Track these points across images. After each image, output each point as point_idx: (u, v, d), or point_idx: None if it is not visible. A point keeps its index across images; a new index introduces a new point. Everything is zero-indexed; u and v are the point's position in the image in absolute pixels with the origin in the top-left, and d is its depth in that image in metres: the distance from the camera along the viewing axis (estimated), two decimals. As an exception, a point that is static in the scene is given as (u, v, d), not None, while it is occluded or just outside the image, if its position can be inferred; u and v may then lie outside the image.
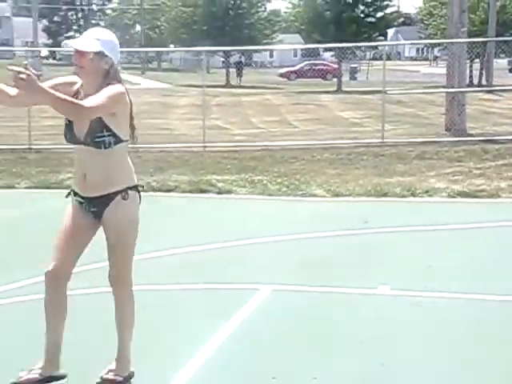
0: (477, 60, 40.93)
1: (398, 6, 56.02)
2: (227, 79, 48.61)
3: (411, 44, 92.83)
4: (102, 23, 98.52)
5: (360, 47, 45.45)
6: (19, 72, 3.81)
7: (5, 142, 16.20)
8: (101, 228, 4.52)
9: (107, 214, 4.41)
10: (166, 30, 62.67)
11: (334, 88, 41.27)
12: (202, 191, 11.32)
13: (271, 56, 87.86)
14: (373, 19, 46.24)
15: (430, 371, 4.89)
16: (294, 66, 62.57)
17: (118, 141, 4.33)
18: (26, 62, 3.94)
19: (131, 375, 4.65)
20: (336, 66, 47.62)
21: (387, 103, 18.04)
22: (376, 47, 50.44)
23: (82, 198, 4.44)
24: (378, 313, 6.08)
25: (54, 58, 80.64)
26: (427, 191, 11.02)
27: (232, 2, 54.32)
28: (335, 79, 45.63)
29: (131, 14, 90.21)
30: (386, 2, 47.40)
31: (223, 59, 53.09)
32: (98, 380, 4.56)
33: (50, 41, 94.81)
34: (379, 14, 46.90)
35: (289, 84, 49.79)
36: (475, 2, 40.26)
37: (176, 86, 42.91)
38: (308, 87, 41.91)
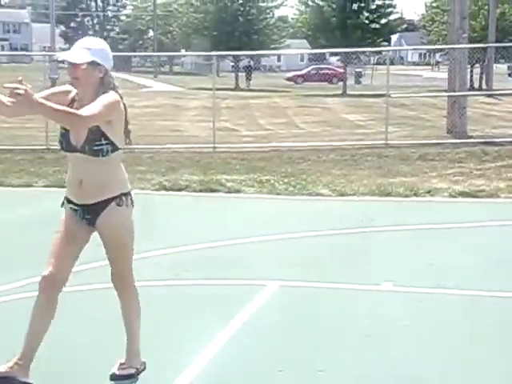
0: (477, 65, 40.90)
1: (402, 13, 56.05)
2: (236, 82, 48.61)
3: (414, 49, 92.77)
4: (116, 29, 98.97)
5: (364, 52, 45.34)
6: (15, 88, 3.77)
7: (23, 143, 16.23)
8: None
9: (102, 220, 4.36)
10: (178, 36, 62.70)
11: (340, 91, 41.21)
12: (212, 190, 11.31)
13: (279, 60, 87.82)
14: (377, 25, 46.10)
15: (431, 365, 4.87)
16: (300, 70, 62.52)
17: (115, 149, 4.28)
18: (20, 77, 3.85)
19: (143, 367, 4.64)
20: (341, 70, 47.58)
21: (391, 106, 18.01)
22: (380, 52, 50.21)
23: (77, 205, 4.39)
24: (381, 308, 6.07)
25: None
26: (429, 191, 11.00)
27: (241, 9, 54.27)
28: (340, 83, 45.53)
29: (145, 20, 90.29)
30: (389, 9, 47.31)
31: (233, 63, 53.12)
32: (110, 374, 4.55)
33: (67, 45, 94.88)
34: (383, 21, 46.77)
35: (296, 87, 49.76)
36: (476, 9, 40.17)
37: (187, 89, 42.91)
38: (314, 90, 41.88)
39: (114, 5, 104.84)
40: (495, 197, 10.75)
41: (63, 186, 12.45)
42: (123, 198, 4.38)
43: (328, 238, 8.45)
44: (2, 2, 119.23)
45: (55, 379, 4.62)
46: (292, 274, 6.89)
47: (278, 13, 60.06)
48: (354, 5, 45.47)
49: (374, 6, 46.39)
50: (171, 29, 73.21)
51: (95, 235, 4.46)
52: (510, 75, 56.04)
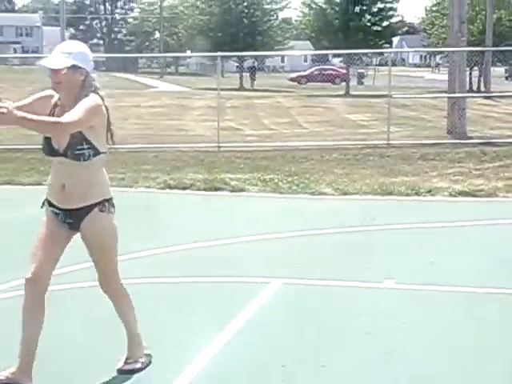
0: (476, 68, 40.95)
1: (403, 16, 55.96)
2: (241, 83, 48.59)
3: (415, 51, 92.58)
4: (124, 31, 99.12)
5: (367, 54, 45.32)
6: None
7: (33, 142, 16.19)
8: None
9: (85, 226, 4.32)
10: (184, 37, 62.81)
11: (342, 92, 41.19)
12: (216, 189, 11.29)
13: (283, 61, 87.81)
14: (379, 28, 46.09)
15: (431, 362, 4.85)
16: (304, 70, 62.50)
17: (97, 153, 4.23)
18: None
19: (148, 360, 4.65)
20: (344, 71, 47.56)
21: (392, 107, 17.97)
22: (382, 54, 50.17)
23: (59, 209, 4.34)
24: (382, 306, 6.05)
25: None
26: (430, 190, 10.98)
27: (246, 11, 54.30)
28: (343, 84, 45.50)
29: (151, 22, 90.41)
30: (391, 12, 47.28)
31: (237, 64, 53.14)
32: (117, 369, 4.54)
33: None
34: (385, 23, 46.77)
35: (299, 88, 49.74)
36: (473, 14, 40.25)
37: (192, 89, 42.91)
38: (317, 91, 41.84)
39: (122, 8, 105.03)
40: (493, 196, 10.75)
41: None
42: (106, 204, 4.34)
43: (331, 236, 8.42)
44: (16, 8, 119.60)
45: (56, 379, 4.59)
46: (295, 272, 6.87)
47: (281, 15, 60.15)
48: (356, 8, 45.45)
49: (375, 9, 46.37)
50: (177, 30, 73.36)
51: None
52: (506, 78, 56.05)
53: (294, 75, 60.03)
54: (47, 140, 4.22)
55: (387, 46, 48.02)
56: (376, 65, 60.45)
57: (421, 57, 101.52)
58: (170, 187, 11.43)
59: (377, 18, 46.14)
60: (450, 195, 10.78)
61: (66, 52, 4.19)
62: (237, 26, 52.68)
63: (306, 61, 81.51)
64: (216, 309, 5.86)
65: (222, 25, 52.56)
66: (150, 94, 38.23)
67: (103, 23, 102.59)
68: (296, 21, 58.81)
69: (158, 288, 6.54)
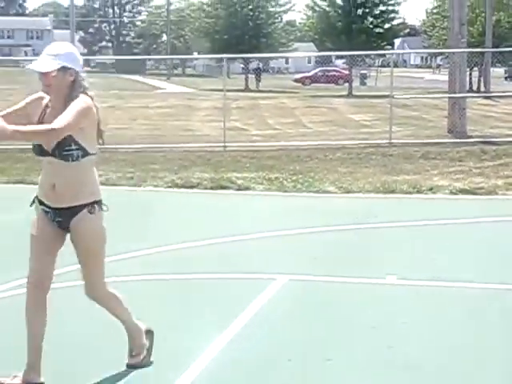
0: (475, 68, 40.89)
1: (404, 18, 55.75)
2: (246, 84, 48.55)
3: (416, 53, 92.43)
4: (132, 33, 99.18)
5: (369, 55, 45.10)
6: None
7: (43, 142, 16.24)
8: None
9: (74, 227, 4.25)
10: (191, 39, 62.86)
11: (345, 92, 41.14)
12: (223, 188, 11.29)
13: (287, 63, 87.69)
14: (381, 30, 46.01)
15: (432, 354, 4.86)
16: (308, 72, 62.48)
17: (86, 154, 4.14)
18: None
19: (151, 342, 4.66)
20: (347, 72, 47.56)
21: (394, 107, 17.96)
22: (384, 55, 50.21)
23: (49, 207, 4.27)
24: (385, 301, 6.07)
25: (89, 66, 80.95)
26: (431, 188, 10.97)
27: (251, 14, 54.26)
28: (346, 84, 45.44)
29: (159, 25, 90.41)
30: (392, 15, 47.21)
31: (243, 65, 52.99)
32: (126, 364, 4.55)
33: (86, 50, 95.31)
34: (387, 25, 46.68)
35: (303, 88, 49.71)
36: (473, 16, 40.16)
37: (199, 91, 42.92)
38: (321, 91, 41.83)
39: (130, 11, 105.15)
40: (493, 194, 10.74)
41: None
42: (95, 206, 4.27)
43: (334, 233, 8.42)
44: (27, 11, 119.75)
45: (58, 378, 4.58)
46: (301, 268, 6.88)
47: (286, 17, 60.35)
48: (358, 10, 45.38)
49: (377, 12, 46.28)
50: (184, 33, 73.36)
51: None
52: (506, 79, 55.90)
53: (298, 76, 60.00)
54: None
55: (389, 47, 47.91)
56: (378, 66, 60.40)
57: (422, 58, 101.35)
58: (177, 186, 11.44)
59: (379, 21, 46.07)
60: (451, 193, 10.77)
61: (53, 54, 4.12)
62: (242, 29, 52.66)
63: (309, 62, 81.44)
64: (223, 304, 5.87)
65: (228, 27, 52.56)
66: (158, 96, 38.25)
67: (112, 26, 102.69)
68: (300, 23, 58.75)
69: (165, 284, 6.55)
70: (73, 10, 55.37)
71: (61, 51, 4.15)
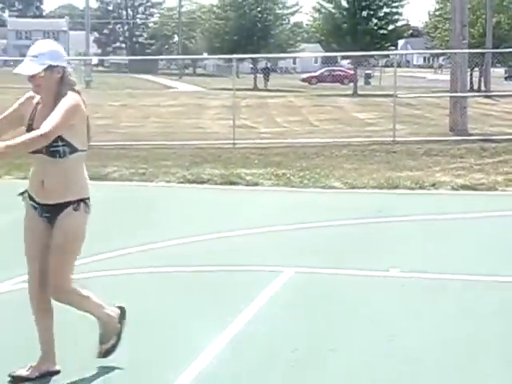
0: (476, 68, 40.75)
1: (407, 20, 55.73)
2: (255, 83, 48.51)
3: (419, 53, 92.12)
4: (144, 34, 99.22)
5: (373, 56, 45.01)
6: None
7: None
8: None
9: (58, 222, 4.11)
10: (201, 40, 62.73)
11: (351, 92, 41.03)
12: (232, 183, 11.29)
13: (294, 63, 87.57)
14: (385, 31, 45.86)
15: (433, 344, 4.86)
16: (314, 71, 62.36)
17: (73, 150, 4.04)
18: None
19: (122, 324, 4.48)
20: (352, 72, 47.44)
21: (398, 105, 17.92)
22: (388, 56, 49.98)
23: (37, 203, 4.16)
24: (388, 293, 6.06)
25: (103, 66, 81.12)
26: (433, 184, 10.95)
27: (259, 16, 54.19)
28: (351, 84, 45.33)
29: (170, 26, 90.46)
30: (396, 17, 47.05)
31: (251, 65, 53.05)
32: (98, 353, 4.40)
33: (100, 51, 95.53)
34: (390, 27, 46.52)
35: (310, 88, 49.60)
36: (474, 18, 39.94)
37: (209, 90, 42.89)
38: (327, 91, 41.74)
39: (143, 13, 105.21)
40: (493, 189, 10.71)
41: (96, 180, 12.56)
42: (81, 204, 4.14)
43: (340, 227, 8.41)
44: (44, 13, 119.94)
45: (70, 366, 4.61)
46: (306, 261, 6.86)
47: (293, 19, 59.98)
48: (363, 12, 45.21)
49: (382, 14, 46.12)
50: (195, 34, 73.38)
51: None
52: (506, 79, 55.67)
53: (305, 76, 59.91)
54: None
55: (393, 48, 47.80)
56: (382, 66, 60.25)
57: (424, 58, 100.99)
58: (188, 182, 11.45)
59: (383, 22, 45.92)
60: (453, 189, 10.75)
61: (37, 55, 4.01)
62: (251, 30, 52.62)
63: (316, 62, 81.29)
64: (231, 296, 5.88)
65: (237, 29, 52.52)
66: (170, 94, 38.25)
67: (125, 27, 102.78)
68: (307, 25, 58.56)
69: (173, 277, 6.55)
70: (88, 12, 55.45)
71: (44, 50, 4.04)
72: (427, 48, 53.74)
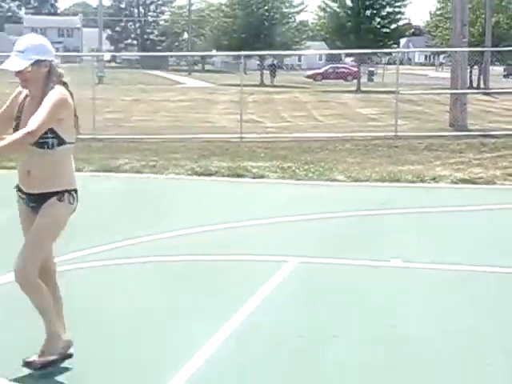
0: (476, 66, 40.58)
1: (409, 19, 55.26)
2: (261, 79, 48.44)
3: (420, 51, 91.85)
4: (155, 32, 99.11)
5: (376, 53, 44.94)
6: None
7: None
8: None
9: (40, 211, 4.00)
10: (210, 38, 62.56)
11: (354, 88, 40.97)
12: (239, 176, 11.27)
13: (300, 60, 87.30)
14: (387, 30, 45.75)
15: (432, 330, 4.86)
16: (319, 68, 62.12)
17: (61, 142, 3.94)
18: None
19: (65, 350, 4.16)
20: (356, 69, 47.30)
21: (400, 102, 17.84)
22: (390, 54, 50.04)
23: (24, 193, 4.07)
24: (389, 282, 6.05)
25: (115, 62, 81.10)
26: (434, 178, 10.91)
27: (266, 14, 54.07)
28: (355, 81, 45.27)
29: (180, 23, 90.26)
30: (398, 16, 46.90)
31: (258, 62, 52.95)
32: (26, 362, 4.08)
33: (112, 47, 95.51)
34: (393, 26, 46.39)
35: (315, 84, 49.48)
36: (474, 18, 39.80)
37: (217, 85, 42.85)
38: (331, 87, 41.64)
39: (154, 11, 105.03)
40: (492, 183, 10.67)
41: (107, 171, 12.51)
42: (65, 195, 4.02)
43: (343, 219, 8.39)
44: (58, 11, 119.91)
45: (86, 355, 4.61)
46: (310, 252, 6.85)
47: (299, 18, 59.76)
48: (367, 11, 45.12)
49: (385, 13, 46.00)
50: (204, 31, 73.11)
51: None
52: (504, 76, 55.46)
53: (310, 73, 59.72)
54: (15, 128, 3.98)
55: (395, 46, 47.63)
56: (385, 64, 60.14)
57: (426, 56, 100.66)
58: (197, 174, 11.43)
59: (386, 21, 45.81)
60: (452, 182, 10.72)
61: (23, 50, 3.90)
62: (258, 28, 52.51)
63: (320, 60, 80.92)
64: (237, 284, 5.87)
65: (245, 26, 52.42)
66: (179, 90, 38.20)
67: (137, 25, 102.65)
68: (312, 23, 58.41)
69: (180, 266, 6.53)
70: (101, 10, 55.39)
71: (30, 45, 3.94)
72: (428, 46, 53.60)
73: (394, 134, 16.03)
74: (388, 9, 46.10)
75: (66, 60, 66.48)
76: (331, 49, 46.62)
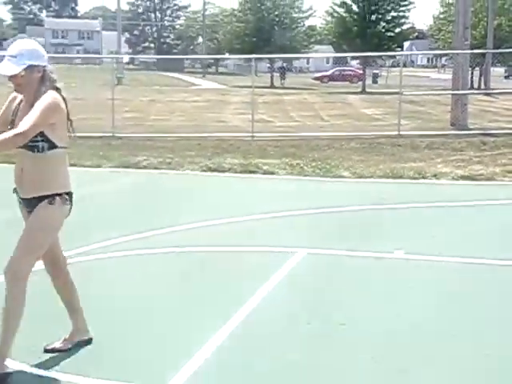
0: (477, 68, 40.36)
1: (413, 23, 55.23)
2: (272, 81, 48.40)
3: (423, 54, 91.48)
4: (171, 36, 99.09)
5: (381, 56, 44.78)
6: None
7: (94, 131, 16.34)
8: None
9: (32, 214, 3.89)
10: (223, 41, 62.53)
11: (359, 90, 40.86)
12: (251, 172, 11.30)
13: (308, 63, 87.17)
14: (392, 34, 45.56)
15: (434, 318, 4.88)
16: (326, 71, 62.07)
17: (52, 146, 3.80)
18: None
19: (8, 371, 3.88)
20: (361, 71, 47.18)
21: (403, 102, 17.81)
22: (394, 56, 49.81)
23: (20, 197, 3.99)
24: (393, 272, 6.06)
25: (133, 64, 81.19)
26: (435, 175, 10.89)
27: (277, 19, 53.99)
28: (360, 82, 45.15)
29: (195, 28, 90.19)
30: (402, 20, 46.70)
31: (269, 65, 52.89)
32: None
33: (131, 50, 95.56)
34: (397, 30, 46.19)
35: (322, 86, 49.41)
36: (476, 21, 39.54)
37: (230, 87, 42.84)
38: (337, 89, 41.57)
39: (170, 16, 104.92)
40: (491, 180, 10.63)
41: (126, 167, 12.56)
42: (56, 198, 3.86)
43: (348, 213, 8.40)
44: (79, 14, 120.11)
45: (106, 339, 4.65)
46: (318, 243, 6.88)
47: (307, 22, 59.59)
48: (372, 16, 44.95)
49: (389, 18, 45.80)
50: (217, 36, 73.11)
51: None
52: (505, 77, 55.16)
53: (317, 75, 59.66)
54: (10, 130, 3.82)
55: (399, 49, 47.50)
56: (389, 66, 59.89)
57: (428, 59, 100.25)
58: (210, 170, 11.47)
59: (390, 25, 45.62)
60: (453, 179, 10.70)
61: (16, 54, 3.76)
62: (269, 32, 52.45)
63: (327, 63, 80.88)
64: (248, 274, 5.90)
65: (257, 31, 52.37)
66: (194, 91, 38.22)
67: (154, 29, 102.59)
68: (320, 28, 58.30)
69: (194, 257, 6.57)
70: (119, 14, 55.47)
71: (23, 50, 3.78)
72: (431, 49, 53.38)
73: (397, 133, 16.01)
74: (392, 13, 45.90)
75: (86, 62, 66.74)
76: (338, 52, 46.54)
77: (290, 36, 53.40)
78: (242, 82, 40.61)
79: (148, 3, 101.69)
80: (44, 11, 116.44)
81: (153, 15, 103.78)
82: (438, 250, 6.64)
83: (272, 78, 49.10)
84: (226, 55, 60.92)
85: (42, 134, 3.75)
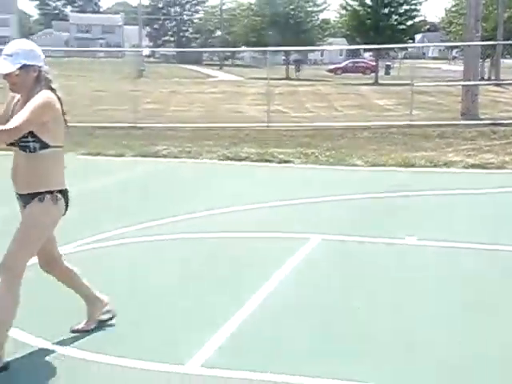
0: (488, 59, 39.95)
1: (425, 16, 54.83)
2: (287, 73, 48.25)
3: (434, 46, 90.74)
4: (190, 29, 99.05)
5: (393, 48, 44.52)
6: None
7: (116, 121, 16.37)
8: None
9: (24, 211, 3.82)
10: (240, 35, 62.37)
11: (372, 81, 40.63)
12: (267, 161, 11.26)
13: (322, 55, 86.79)
14: (404, 26, 45.25)
15: (445, 302, 4.82)
16: (340, 63, 61.76)
17: (44, 146, 3.68)
18: None
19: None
20: (374, 63, 46.91)
21: (414, 93, 17.68)
22: (406, 48, 49.53)
23: (16, 193, 3.89)
24: (405, 258, 6.01)
25: (154, 57, 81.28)
26: (446, 163, 10.80)
27: (292, 13, 53.79)
28: (373, 74, 44.91)
29: (213, 22, 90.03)
30: (414, 13, 46.36)
31: (284, 57, 52.71)
32: None
33: (151, 43, 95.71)
34: (409, 23, 45.88)
35: (336, 77, 49.18)
36: (487, 13, 39.09)
37: (246, 79, 42.74)
38: (351, 80, 41.36)
39: (189, 10, 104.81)
40: (502, 168, 10.52)
41: (147, 156, 12.59)
42: (47, 196, 3.75)
43: (361, 200, 8.35)
44: (101, 9, 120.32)
45: (129, 322, 4.65)
46: (332, 230, 6.83)
47: (321, 16, 59.37)
48: (385, 9, 44.65)
49: (402, 10, 45.48)
50: (234, 29, 72.91)
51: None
52: (515, 68, 54.57)
53: (331, 67, 59.39)
54: None
55: (411, 41, 47.14)
56: (401, 58, 59.47)
57: (439, 51, 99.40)
58: (228, 159, 11.45)
59: (403, 18, 45.31)
60: (464, 167, 10.60)
61: (12, 54, 3.67)
62: (285, 25, 52.25)
63: (341, 55, 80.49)
64: (264, 259, 5.87)
65: (272, 24, 52.20)
66: (212, 83, 38.18)
67: (173, 23, 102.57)
68: (334, 21, 58.01)
69: (210, 243, 6.55)
70: (140, 9, 55.50)
71: (19, 50, 3.68)
72: (442, 41, 52.93)
73: (408, 122, 15.89)
74: (405, 6, 45.60)
75: (109, 55, 66.89)
76: (351, 45, 46.28)
77: (305, 29, 53.18)
78: (257, 74, 40.46)
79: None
80: (69, 6, 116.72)
81: (172, 10, 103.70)
82: (450, 236, 6.58)
83: (287, 70, 48.91)
84: (243, 48, 60.78)
85: (32, 134, 3.64)
